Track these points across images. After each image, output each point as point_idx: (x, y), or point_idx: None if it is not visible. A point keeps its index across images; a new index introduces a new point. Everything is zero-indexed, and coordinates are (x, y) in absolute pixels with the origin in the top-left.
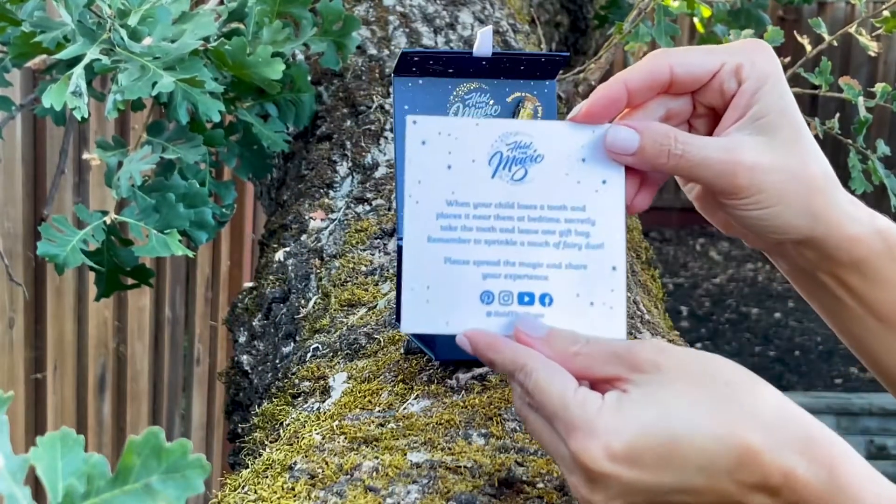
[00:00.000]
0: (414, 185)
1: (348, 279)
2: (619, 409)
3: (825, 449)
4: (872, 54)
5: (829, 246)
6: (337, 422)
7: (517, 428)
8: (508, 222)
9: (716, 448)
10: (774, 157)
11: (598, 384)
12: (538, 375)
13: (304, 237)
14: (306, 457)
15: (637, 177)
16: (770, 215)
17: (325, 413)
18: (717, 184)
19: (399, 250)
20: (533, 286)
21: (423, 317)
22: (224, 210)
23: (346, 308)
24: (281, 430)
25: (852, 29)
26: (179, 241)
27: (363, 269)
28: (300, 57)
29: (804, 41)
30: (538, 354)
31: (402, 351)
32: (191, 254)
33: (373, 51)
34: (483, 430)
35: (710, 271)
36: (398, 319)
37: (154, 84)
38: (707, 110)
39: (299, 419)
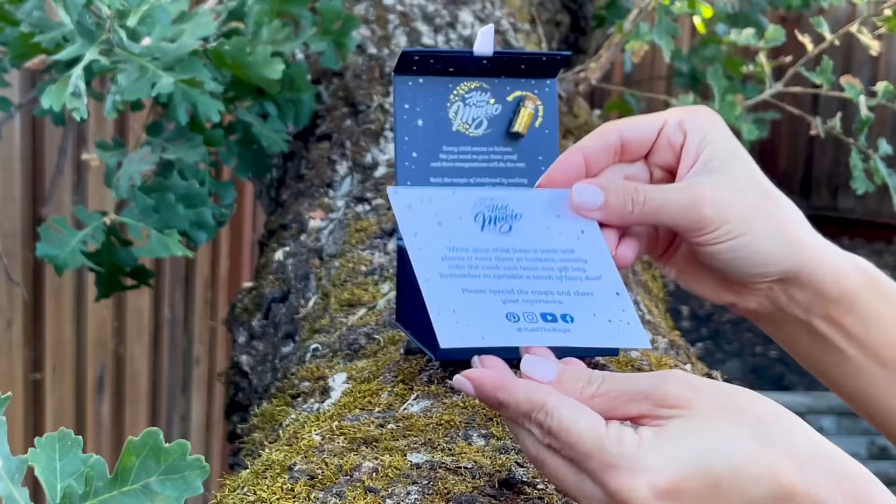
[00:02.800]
0: (412, 237)
1: (348, 279)
2: (659, 445)
3: (857, 485)
4: (874, 53)
5: (817, 279)
6: (336, 422)
7: None
8: (509, 262)
9: (755, 488)
10: (734, 191)
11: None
12: (562, 414)
13: (303, 237)
14: (306, 457)
15: (614, 230)
16: (743, 244)
17: (324, 413)
18: (684, 222)
19: (399, 250)
20: (551, 308)
21: (458, 333)
22: (223, 210)
23: (345, 308)
24: (280, 431)
25: (854, 28)
26: (179, 241)
27: (363, 268)
28: (300, 56)
29: (805, 40)
30: (556, 392)
31: (402, 351)
32: (190, 254)
33: (372, 50)
34: (483, 431)
35: None
36: (398, 319)
37: (153, 84)
38: (663, 173)
39: (299, 420)
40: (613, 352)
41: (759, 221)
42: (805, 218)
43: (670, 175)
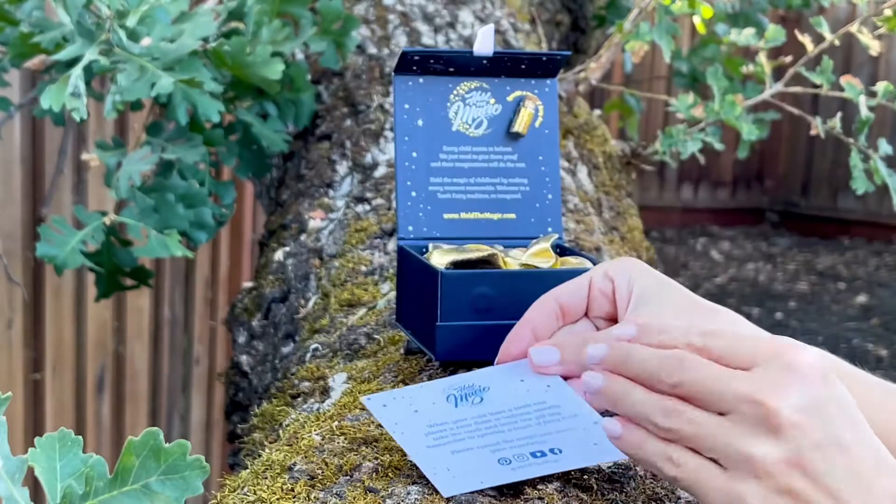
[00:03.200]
0: (393, 425)
1: (348, 279)
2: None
3: None
4: (874, 53)
5: None
6: (337, 422)
7: None
8: (488, 423)
9: None
10: (672, 314)
11: None
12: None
13: (303, 237)
14: (306, 457)
15: (577, 380)
16: None
17: (324, 413)
18: None
19: (399, 251)
20: (539, 447)
21: (457, 483)
22: (223, 210)
23: (345, 308)
24: (280, 431)
25: (854, 28)
26: (179, 241)
27: (363, 268)
28: (300, 56)
29: (805, 40)
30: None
31: (402, 351)
32: (190, 254)
33: (372, 50)
34: None
35: (711, 271)
36: (398, 319)
37: (153, 84)
38: (606, 324)
39: (299, 420)
40: None
41: None
42: (751, 324)
43: (613, 323)
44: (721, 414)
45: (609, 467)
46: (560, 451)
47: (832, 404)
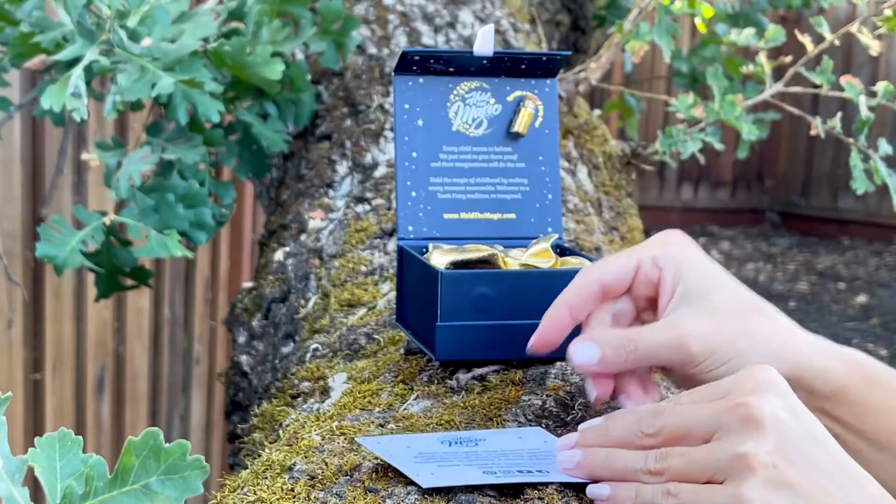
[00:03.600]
0: (387, 455)
1: (348, 279)
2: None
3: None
4: (874, 53)
5: (806, 381)
6: (337, 422)
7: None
8: (479, 457)
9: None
10: (715, 319)
11: None
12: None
13: (303, 237)
14: (306, 457)
15: (608, 377)
16: (730, 368)
17: (324, 414)
18: (675, 359)
19: (399, 251)
20: (526, 468)
21: (435, 480)
22: (223, 210)
23: (345, 308)
24: (280, 431)
25: (854, 28)
26: (179, 241)
27: (363, 269)
28: (300, 56)
29: (805, 40)
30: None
31: (402, 351)
32: (190, 255)
33: (372, 50)
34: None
35: None
36: (399, 319)
37: (153, 85)
38: (647, 302)
39: (299, 420)
40: None
41: (743, 341)
42: (790, 321)
43: (653, 303)
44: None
45: None
46: (547, 472)
47: (807, 443)
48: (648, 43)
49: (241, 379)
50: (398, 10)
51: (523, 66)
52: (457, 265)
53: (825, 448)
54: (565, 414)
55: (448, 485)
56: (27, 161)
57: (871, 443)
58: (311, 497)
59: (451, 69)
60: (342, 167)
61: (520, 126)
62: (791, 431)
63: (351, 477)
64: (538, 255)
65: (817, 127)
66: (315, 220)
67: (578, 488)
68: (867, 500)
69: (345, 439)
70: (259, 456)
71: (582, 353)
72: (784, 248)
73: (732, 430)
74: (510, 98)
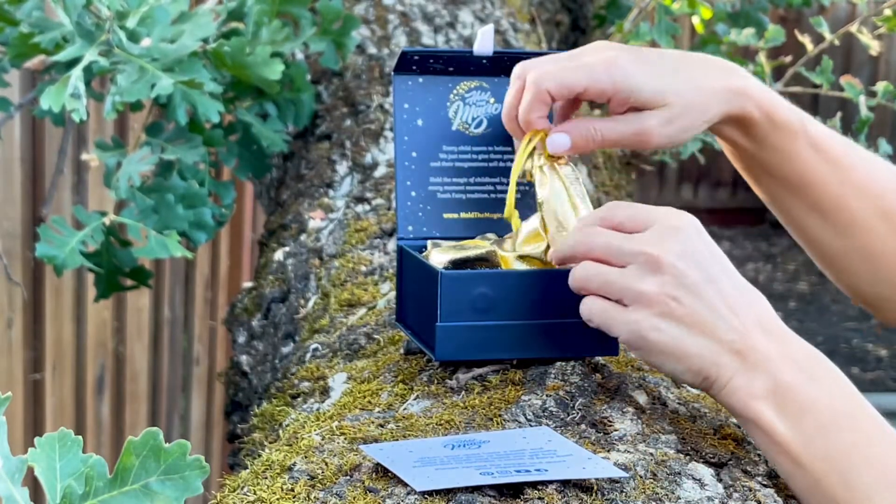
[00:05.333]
0: (389, 462)
1: (348, 279)
2: None
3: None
4: (874, 53)
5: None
6: (336, 422)
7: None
8: (480, 458)
9: None
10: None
11: None
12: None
13: (303, 237)
14: (306, 457)
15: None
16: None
17: (324, 413)
18: (642, 102)
19: (399, 251)
20: (525, 468)
21: (430, 482)
22: (223, 210)
23: (345, 308)
24: (280, 431)
25: (854, 28)
26: (178, 241)
27: (363, 268)
28: (299, 56)
29: (805, 40)
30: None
31: (401, 351)
32: (190, 255)
33: (372, 50)
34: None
35: None
36: (399, 319)
37: (153, 85)
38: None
39: (298, 420)
40: (614, 352)
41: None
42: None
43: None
44: (622, 267)
45: None
46: (546, 471)
47: (705, 251)
48: (648, 43)
49: (241, 379)
50: (398, 10)
51: None
52: (456, 264)
53: (715, 284)
54: (565, 414)
55: (443, 487)
56: (27, 161)
57: (813, 149)
58: (311, 497)
59: (451, 69)
60: (342, 167)
61: None
62: (686, 276)
63: (351, 477)
64: (530, 241)
65: None
66: (315, 220)
67: (578, 488)
68: (751, 320)
69: (345, 439)
70: (259, 456)
71: (556, 141)
72: (784, 248)
73: (639, 270)
74: None
